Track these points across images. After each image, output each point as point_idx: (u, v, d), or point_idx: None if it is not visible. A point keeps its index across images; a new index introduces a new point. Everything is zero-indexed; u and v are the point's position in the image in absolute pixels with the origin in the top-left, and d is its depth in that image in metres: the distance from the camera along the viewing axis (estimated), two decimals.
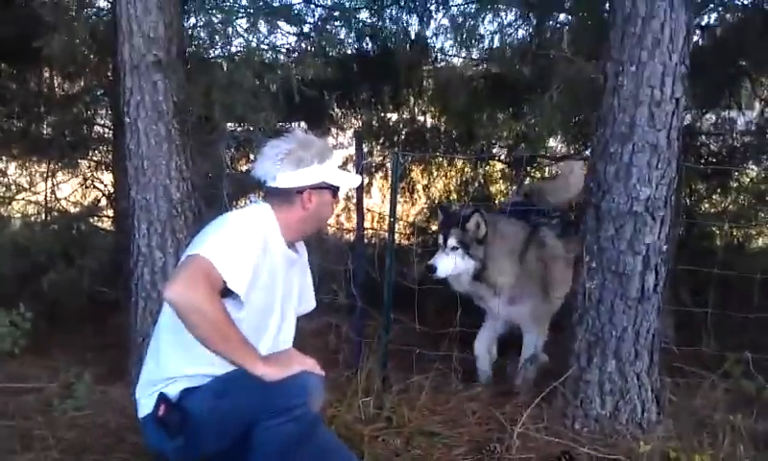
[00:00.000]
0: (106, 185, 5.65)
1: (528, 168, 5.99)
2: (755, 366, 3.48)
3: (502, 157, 6.47)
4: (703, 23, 5.17)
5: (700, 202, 5.50)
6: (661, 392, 3.46)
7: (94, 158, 5.73)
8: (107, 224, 5.59)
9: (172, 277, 2.32)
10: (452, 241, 3.89)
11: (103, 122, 5.56)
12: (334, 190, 2.70)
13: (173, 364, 2.49)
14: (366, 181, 5.81)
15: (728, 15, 5.23)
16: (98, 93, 5.27)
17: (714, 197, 5.56)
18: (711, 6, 5.05)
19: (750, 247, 5.58)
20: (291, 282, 2.69)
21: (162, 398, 2.46)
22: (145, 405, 2.52)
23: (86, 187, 5.74)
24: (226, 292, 2.32)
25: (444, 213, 4.26)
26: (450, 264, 3.87)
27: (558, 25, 5.70)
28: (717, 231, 5.26)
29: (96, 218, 5.41)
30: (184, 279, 2.26)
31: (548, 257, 4.08)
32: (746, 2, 5.16)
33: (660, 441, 3.16)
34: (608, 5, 3.92)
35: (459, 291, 4.01)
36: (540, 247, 4.09)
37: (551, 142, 6.25)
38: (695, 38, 4.47)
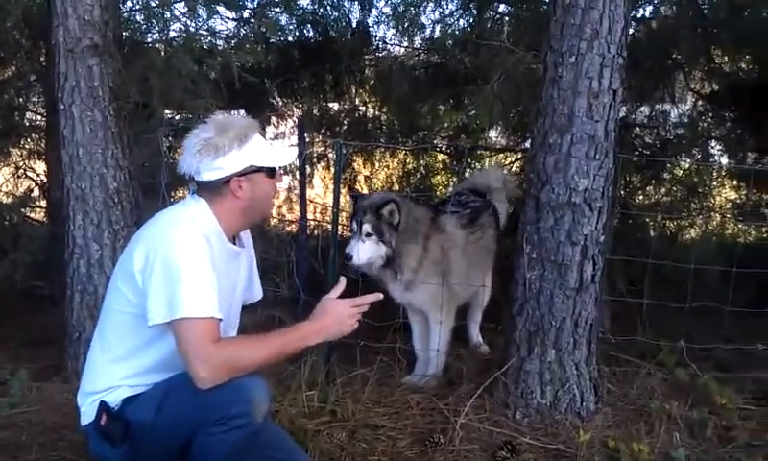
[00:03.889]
0: (39, 175, 5.49)
1: (469, 159, 6.03)
2: (689, 355, 3.59)
3: (443, 148, 6.50)
4: (639, 15, 5.29)
5: (634, 193, 5.59)
6: (599, 381, 3.53)
7: (26, 147, 5.56)
8: (40, 215, 5.44)
9: (186, 359, 2.25)
10: (367, 227, 3.82)
11: (36, 109, 5.39)
12: (267, 171, 2.54)
13: (112, 372, 2.45)
14: (308, 171, 5.77)
15: (662, 8, 5.36)
16: (31, 79, 5.10)
17: (648, 188, 5.67)
18: None
19: (683, 238, 5.70)
20: (236, 276, 2.63)
21: (103, 407, 2.41)
22: (86, 413, 2.47)
23: (19, 177, 5.56)
24: None
25: (356, 200, 4.17)
26: (366, 251, 3.82)
27: (498, 15, 5.77)
28: (651, 223, 5.38)
29: (29, 209, 5.25)
30: (200, 360, 2.23)
31: (448, 244, 4.05)
32: None
33: (598, 429, 3.23)
34: None
35: (365, 274, 3.95)
36: (441, 233, 4.04)
37: (492, 133, 6.32)
38: (630, 31, 4.55)
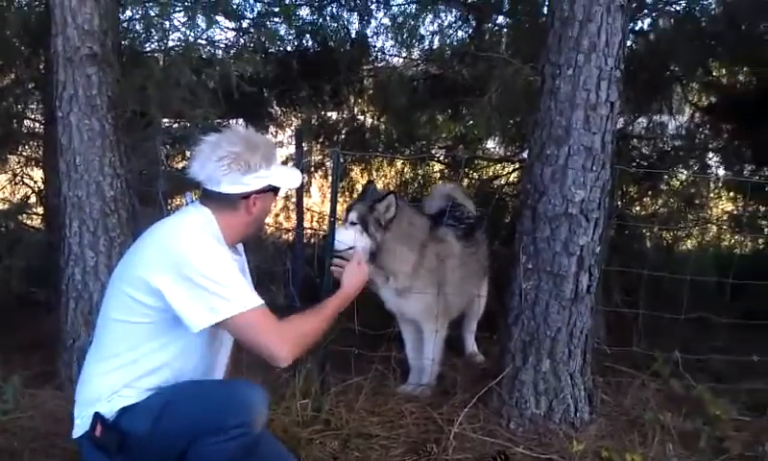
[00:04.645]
0: (36, 182, 5.47)
1: (466, 169, 6.04)
2: (683, 366, 3.58)
3: (441, 158, 6.51)
4: (637, 28, 5.30)
5: (631, 204, 5.59)
6: (594, 391, 3.53)
7: (24, 154, 5.54)
8: (36, 222, 5.41)
9: (259, 346, 2.39)
10: (353, 216, 3.77)
11: (33, 116, 5.38)
12: (276, 190, 2.64)
13: (108, 382, 2.44)
14: (305, 180, 5.78)
15: (660, 21, 5.37)
16: (29, 87, 5.09)
17: (645, 200, 5.66)
18: (645, 11, 5.18)
19: (679, 249, 5.70)
20: None
21: (98, 417, 2.40)
22: (80, 426, 2.47)
23: (16, 184, 5.54)
24: None
25: (364, 190, 4.17)
26: (346, 238, 3.74)
27: (497, 27, 5.79)
28: (648, 234, 5.38)
29: (25, 216, 5.23)
30: (277, 341, 2.38)
31: (444, 254, 4.01)
32: (678, 8, 5.30)
33: (592, 440, 3.23)
34: (546, 8, 3.97)
35: None
36: (438, 242, 4.01)
37: (489, 143, 6.34)
38: (629, 43, 4.57)
